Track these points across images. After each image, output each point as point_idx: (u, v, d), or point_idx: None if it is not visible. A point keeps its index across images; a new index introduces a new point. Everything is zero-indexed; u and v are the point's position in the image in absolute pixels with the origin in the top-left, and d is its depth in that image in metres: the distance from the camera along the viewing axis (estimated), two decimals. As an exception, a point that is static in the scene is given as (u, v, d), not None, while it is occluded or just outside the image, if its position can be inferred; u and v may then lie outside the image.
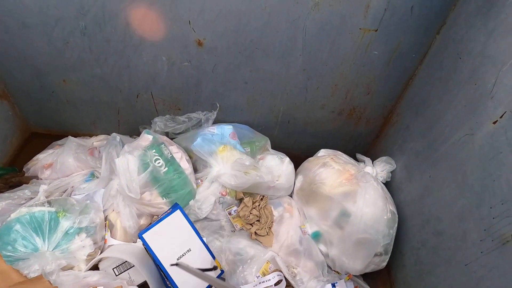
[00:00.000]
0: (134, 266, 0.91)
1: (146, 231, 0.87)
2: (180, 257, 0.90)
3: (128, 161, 0.92)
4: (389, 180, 1.13)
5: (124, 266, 0.93)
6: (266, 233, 1.02)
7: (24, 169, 1.20)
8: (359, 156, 1.22)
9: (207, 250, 0.96)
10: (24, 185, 1.11)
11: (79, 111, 1.26)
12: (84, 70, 1.12)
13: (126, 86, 1.15)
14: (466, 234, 0.78)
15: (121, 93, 1.17)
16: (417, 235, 0.98)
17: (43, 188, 1.04)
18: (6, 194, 1.05)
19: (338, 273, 1.08)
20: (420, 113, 1.06)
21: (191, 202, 1.02)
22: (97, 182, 1.03)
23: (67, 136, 1.22)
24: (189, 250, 0.92)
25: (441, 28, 0.99)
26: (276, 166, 1.11)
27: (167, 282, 0.89)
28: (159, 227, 0.89)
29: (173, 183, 0.99)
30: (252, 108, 1.22)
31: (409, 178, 1.07)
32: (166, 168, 0.99)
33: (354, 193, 1.00)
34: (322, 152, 1.19)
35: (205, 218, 1.07)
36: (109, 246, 0.97)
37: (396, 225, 1.03)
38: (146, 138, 1.03)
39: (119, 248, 0.94)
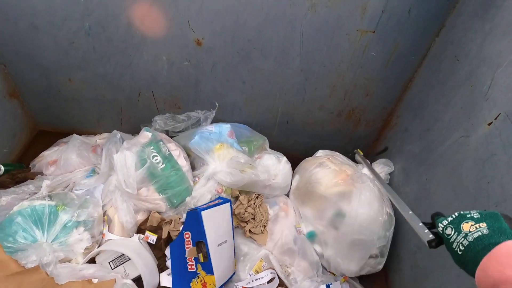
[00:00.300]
0: (129, 260, 0.93)
1: (205, 209, 0.89)
2: (219, 244, 0.92)
3: (126, 157, 0.94)
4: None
5: (119, 260, 0.94)
6: (260, 231, 1.03)
7: (30, 166, 1.24)
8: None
9: (234, 247, 0.98)
10: (29, 180, 1.15)
11: (84, 110, 1.29)
12: (88, 70, 1.15)
13: (128, 85, 1.18)
14: (460, 237, 0.77)
15: (124, 92, 1.20)
16: (413, 239, 0.97)
17: (46, 183, 1.07)
18: (12, 189, 1.08)
19: (334, 274, 1.08)
20: (418, 115, 1.06)
21: (188, 199, 1.03)
22: (97, 177, 1.05)
23: (72, 134, 1.26)
24: (225, 241, 0.95)
25: (440, 31, 0.99)
26: (273, 165, 1.12)
27: (200, 261, 0.91)
28: (214, 211, 0.92)
29: (169, 180, 1.01)
30: (251, 108, 1.23)
31: (406, 180, 1.06)
32: (164, 165, 1.01)
33: (349, 194, 1.00)
34: (320, 152, 1.19)
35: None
36: (106, 240, 0.99)
37: (392, 228, 1.02)
38: (145, 135, 1.05)
39: (116, 242, 0.97)
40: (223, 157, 1.04)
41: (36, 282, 0.82)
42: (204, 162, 1.07)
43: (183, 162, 1.06)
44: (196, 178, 1.09)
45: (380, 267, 1.05)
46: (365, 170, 1.12)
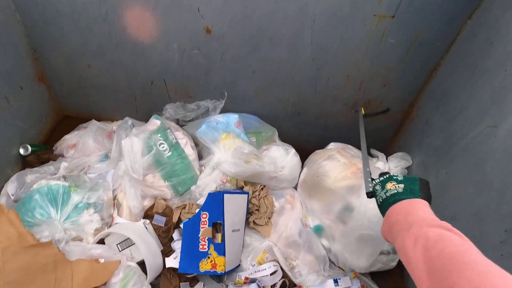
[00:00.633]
0: (135, 244, 0.96)
1: (228, 193, 0.95)
2: (234, 230, 0.96)
3: (133, 143, 0.97)
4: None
5: (126, 243, 0.98)
6: (264, 223, 1.02)
7: (53, 148, 1.32)
8: (373, 151, 1.16)
9: (243, 239, 1.01)
10: (51, 161, 1.22)
11: (102, 97, 1.34)
12: (105, 57, 1.18)
13: (141, 73, 1.20)
14: (484, 235, 0.71)
15: (137, 80, 1.23)
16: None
17: (64, 165, 1.13)
18: (36, 169, 1.16)
19: (343, 269, 1.04)
20: (441, 105, 0.98)
21: (193, 187, 1.04)
22: (109, 162, 1.09)
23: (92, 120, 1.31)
24: (238, 230, 0.98)
25: (473, 12, 0.89)
26: (280, 157, 1.09)
27: (217, 241, 0.94)
28: (235, 197, 0.97)
29: (175, 168, 1.02)
30: (261, 99, 1.20)
31: (425, 175, 0.99)
32: (170, 153, 1.02)
33: (358, 188, 0.95)
34: (331, 145, 1.15)
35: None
36: (115, 223, 1.03)
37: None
38: (154, 122, 1.07)
39: (122, 225, 1.00)
40: (228, 147, 1.03)
41: (50, 255, 0.88)
42: (210, 151, 1.07)
43: (190, 151, 1.07)
44: (203, 167, 1.09)
45: (394, 264, 1.01)
46: (380, 164, 1.06)
